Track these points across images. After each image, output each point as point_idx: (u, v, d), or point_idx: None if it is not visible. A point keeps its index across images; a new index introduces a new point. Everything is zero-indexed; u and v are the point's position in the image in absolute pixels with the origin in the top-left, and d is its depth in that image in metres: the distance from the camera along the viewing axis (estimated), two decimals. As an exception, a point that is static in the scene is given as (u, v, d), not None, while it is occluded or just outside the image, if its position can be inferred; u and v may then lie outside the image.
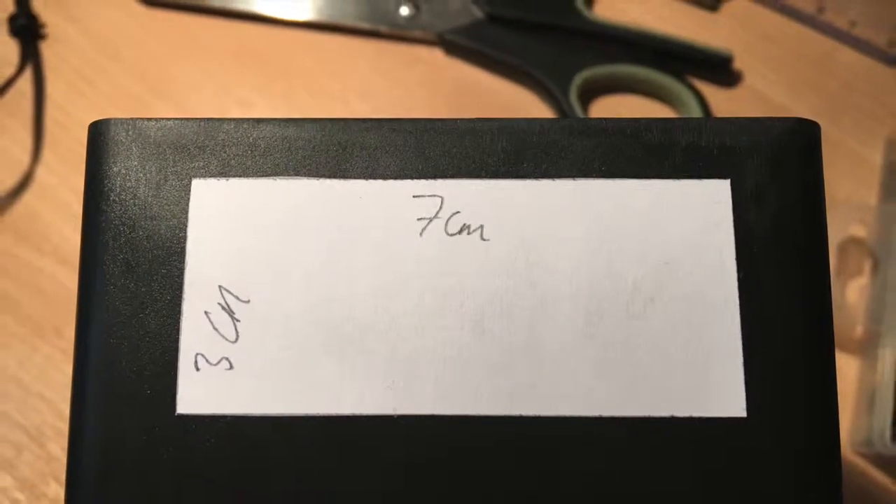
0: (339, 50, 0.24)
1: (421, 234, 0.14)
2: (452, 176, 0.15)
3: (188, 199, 0.15)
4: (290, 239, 0.14)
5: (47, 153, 0.22)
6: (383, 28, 0.26)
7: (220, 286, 0.14)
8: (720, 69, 0.26)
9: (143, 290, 0.14)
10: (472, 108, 0.25)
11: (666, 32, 0.26)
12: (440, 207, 0.15)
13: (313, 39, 0.24)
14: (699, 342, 0.14)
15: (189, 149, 0.15)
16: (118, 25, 0.23)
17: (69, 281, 0.21)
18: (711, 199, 0.15)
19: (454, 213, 0.15)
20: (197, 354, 0.14)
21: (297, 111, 0.24)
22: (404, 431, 0.14)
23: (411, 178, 0.15)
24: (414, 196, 0.15)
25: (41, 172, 0.21)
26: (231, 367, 0.14)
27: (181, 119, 0.15)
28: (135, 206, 0.15)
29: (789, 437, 0.14)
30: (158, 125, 0.15)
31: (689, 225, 0.14)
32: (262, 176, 0.15)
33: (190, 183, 0.15)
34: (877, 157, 0.25)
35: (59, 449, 0.17)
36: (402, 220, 0.14)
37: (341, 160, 0.15)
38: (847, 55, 0.26)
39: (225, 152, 0.15)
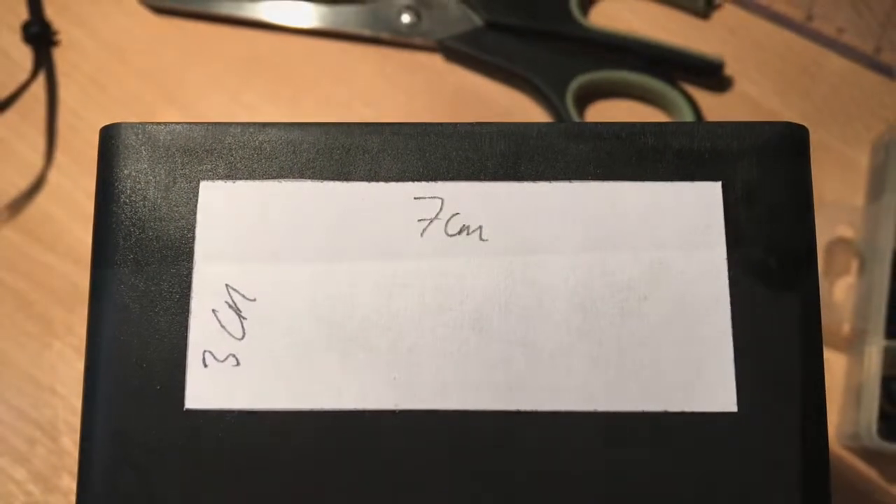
0: (343, 56, 0.25)
1: (421, 235, 0.15)
2: (452, 178, 0.15)
3: (196, 200, 0.15)
4: (295, 239, 0.15)
5: (60, 156, 0.22)
6: (385, 35, 0.26)
7: (227, 285, 0.15)
8: (712, 75, 0.27)
9: (152, 288, 0.15)
10: (472, 113, 0.25)
11: (659, 39, 0.27)
12: (440, 209, 0.15)
13: (318, 46, 0.24)
14: (691, 339, 0.14)
15: (197, 152, 0.15)
16: (129, 32, 0.24)
17: (81, 280, 0.21)
18: (703, 200, 0.15)
19: (454, 215, 0.15)
20: (205, 351, 0.14)
21: (302, 115, 0.24)
22: (405, 425, 0.14)
23: (412, 180, 0.15)
24: (415, 198, 0.15)
25: (54, 175, 0.22)
26: (238, 363, 0.14)
27: (190, 123, 0.15)
28: (144, 207, 0.15)
29: (779, 431, 0.14)
30: (167, 129, 0.15)
31: (681, 225, 0.15)
32: (268, 178, 0.15)
33: (198, 185, 0.15)
34: (863, 160, 0.25)
35: (70, 443, 0.17)
36: (403, 220, 0.15)
37: (345, 163, 0.15)
38: (835, 61, 0.26)
39: (232, 155, 0.15)
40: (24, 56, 0.23)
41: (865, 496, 0.21)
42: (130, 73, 0.23)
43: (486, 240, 0.15)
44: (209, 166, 0.15)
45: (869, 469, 0.22)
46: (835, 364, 0.23)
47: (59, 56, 0.23)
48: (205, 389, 0.14)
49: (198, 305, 0.15)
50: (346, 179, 0.15)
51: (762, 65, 0.26)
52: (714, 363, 0.14)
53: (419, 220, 0.15)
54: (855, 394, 0.23)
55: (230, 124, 0.15)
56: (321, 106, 0.24)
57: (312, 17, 0.26)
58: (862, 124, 0.26)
